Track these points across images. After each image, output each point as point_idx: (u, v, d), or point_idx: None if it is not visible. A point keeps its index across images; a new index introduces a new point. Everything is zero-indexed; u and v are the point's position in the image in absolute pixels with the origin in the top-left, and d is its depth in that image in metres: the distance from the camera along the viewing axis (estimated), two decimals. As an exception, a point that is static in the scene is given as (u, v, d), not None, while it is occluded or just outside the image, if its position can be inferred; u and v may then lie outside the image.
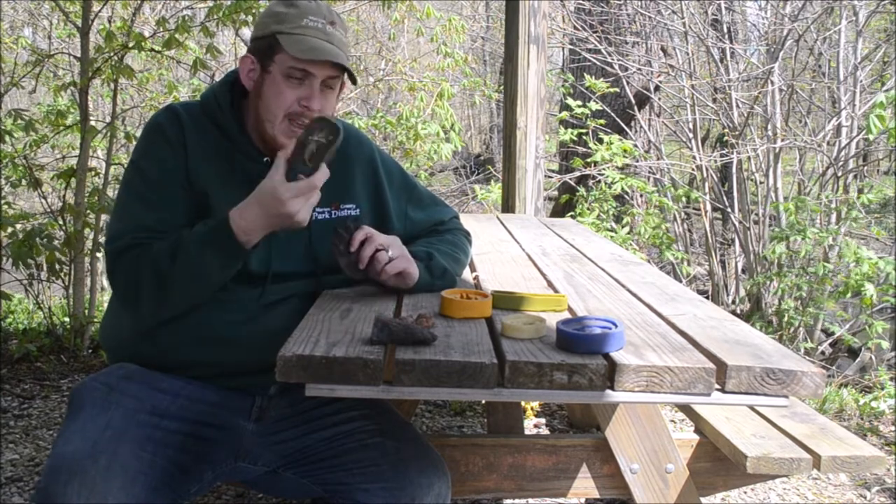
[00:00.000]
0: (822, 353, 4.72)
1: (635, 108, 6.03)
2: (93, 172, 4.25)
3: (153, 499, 1.39)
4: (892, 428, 3.49)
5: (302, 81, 1.59)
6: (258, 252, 1.62)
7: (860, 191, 4.81)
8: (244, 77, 1.65)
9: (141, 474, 1.39)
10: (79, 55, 4.08)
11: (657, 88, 6.24)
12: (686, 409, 2.48)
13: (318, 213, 1.70)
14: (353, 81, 1.69)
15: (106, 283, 1.54)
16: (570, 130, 5.60)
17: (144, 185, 1.61)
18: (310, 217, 1.52)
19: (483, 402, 3.24)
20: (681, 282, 4.31)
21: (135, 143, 2.16)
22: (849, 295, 4.09)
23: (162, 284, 1.52)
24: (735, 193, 5.33)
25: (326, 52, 1.58)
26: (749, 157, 5.29)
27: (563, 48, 7.58)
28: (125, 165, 1.74)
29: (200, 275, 1.53)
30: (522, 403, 3.11)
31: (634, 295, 1.77)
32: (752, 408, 2.18)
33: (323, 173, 1.52)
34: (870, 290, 3.92)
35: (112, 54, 3.97)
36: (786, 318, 4.38)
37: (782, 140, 5.18)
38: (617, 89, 5.82)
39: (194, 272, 1.52)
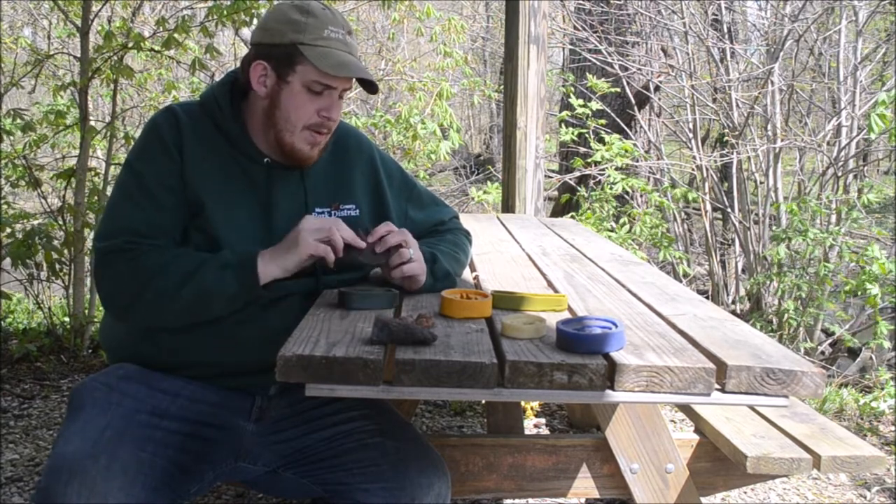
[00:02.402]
0: (822, 353, 4.72)
1: (635, 108, 6.03)
2: (93, 172, 4.25)
3: (153, 499, 1.39)
4: (892, 428, 3.49)
5: (321, 93, 1.60)
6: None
7: (860, 191, 4.80)
8: (255, 83, 1.64)
9: (141, 474, 1.39)
10: (78, 55, 4.08)
11: (657, 88, 6.24)
12: (686, 409, 2.48)
13: (318, 213, 1.70)
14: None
15: (99, 296, 1.55)
16: (570, 130, 5.60)
17: (138, 187, 1.60)
18: (309, 240, 1.53)
19: (483, 402, 3.24)
20: (681, 282, 4.31)
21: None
22: (854, 294, 4.09)
23: (162, 301, 1.52)
24: (735, 193, 5.33)
25: (355, 68, 1.59)
26: (749, 157, 5.29)
27: (563, 48, 7.58)
28: (122, 165, 1.74)
29: (207, 300, 1.53)
30: (522, 403, 3.11)
31: (634, 295, 1.77)
32: (752, 408, 2.18)
33: (348, 231, 1.56)
34: (874, 289, 3.92)
35: (112, 54, 3.97)
36: (785, 318, 4.37)
37: (782, 140, 5.18)
38: (617, 89, 5.82)
39: (204, 295, 1.52)
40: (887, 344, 4.29)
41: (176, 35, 3.85)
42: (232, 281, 1.52)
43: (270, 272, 1.53)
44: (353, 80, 1.65)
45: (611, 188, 5.12)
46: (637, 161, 5.63)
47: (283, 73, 1.61)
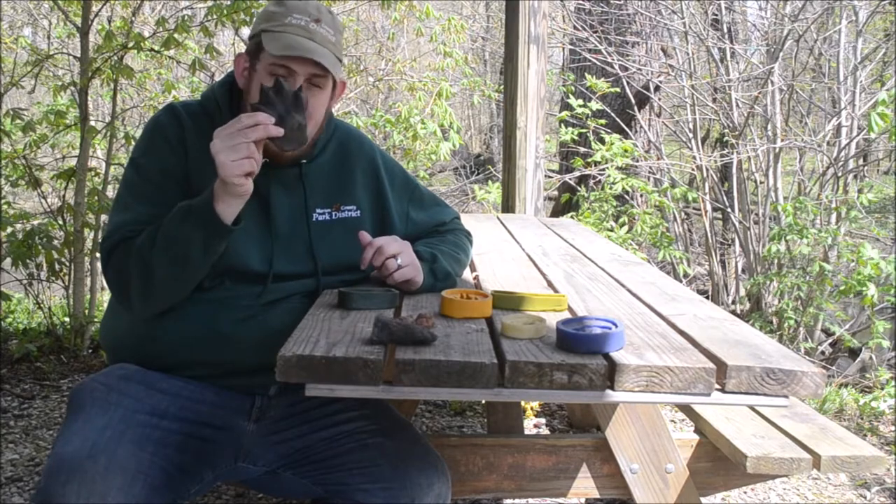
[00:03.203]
0: (822, 353, 4.72)
1: (635, 108, 6.03)
2: (93, 172, 4.25)
3: (152, 499, 1.39)
4: (892, 428, 3.49)
5: (286, 80, 1.59)
6: (259, 251, 1.62)
7: (860, 191, 4.80)
8: (238, 76, 1.67)
9: (140, 474, 1.39)
10: (78, 55, 4.08)
11: (657, 88, 6.24)
12: (686, 409, 2.48)
13: (319, 213, 1.71)
14: (334, 82, 1.67)
15: (108, 286, 1.59)
16: (570, 130, 5.60)
17: (143, 182, 1.61)
18: (235, 170, 1.43)
19: (483, 402, 3.24)
20: (681, 282, 4.31)
21: (135, 143, 2.17)
22: (852, 294, 4.09)
23: (146, 270, 1.51)
24: (735, 193, 5.33)
25: (303, 49, 1.56)
26: (749, 157, 5.29)
27: (563, 48, 7.58)
28: (125, 165, 1.74)
29: (181, 251, 1.49)
30: (522, 403, 3.11)
31: (634, 295, 1.77)
32: (752, 408, 2.18)
33: (252, 117, 1.46)
34: (871, 290, 3.91)
35: (112, 54, 3.97)
36: (784, 318, 4.37)
37: (782, 140, 5.18)
38: (617, 89, 5.82)
39: (176, 250, 1.49)
40: (887, 343, 4.29)
41: (176, 35, 3.85)
42: (195, 225, 1.48)
43: (221, 204, 1.48)
44: (322, 67, 1.60)
45: (611, 188, 5.12)
46: (637, 161, 5.63)
47: (253, 62, 1.62)
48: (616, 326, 1.29)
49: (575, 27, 6.25)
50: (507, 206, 3.91)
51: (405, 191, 1.87)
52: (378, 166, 1.83)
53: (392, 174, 1.86)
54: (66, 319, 4.12)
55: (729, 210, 5.32)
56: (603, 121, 5.54)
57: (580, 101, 5.53)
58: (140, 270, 1.52)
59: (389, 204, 1.81)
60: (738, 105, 5.38)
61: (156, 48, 4.13)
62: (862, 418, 3.56)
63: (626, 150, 5.28)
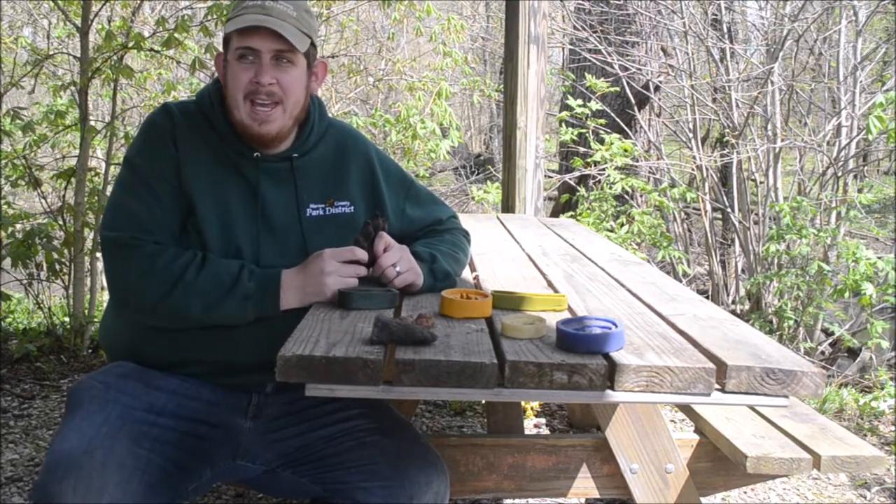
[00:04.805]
0: (822, 353, 4.72)
1: (635, 108, 6.03)
2: (93, 172, 4.25)
3: (150, 496, 1.39)
4: (892, 428, 3.49)
5: (253, 61, 1.61)
6: (249, 245, 1.63)
7: (860, 191, 4.80)
8: (220, 76, 1.69)
9: (137, 471, 1.39)
10: (78, 55, 4.08)
11: (657, 88, 6.24)
12: (686, 409, 2.48)
13: (312, 209, 1.71)
14: (309, 55, 1.67)
15: (106, 282, 1.60)
16: (570, 130, 5.60)
17: (139, 182, 1.63)
18: (335, 286, 1.55)
19: (483, 402, 3.24)
20: (681, 282, 4.30)
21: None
22: (847, 294, 4.08)
23: (180, 318, 1.56)
24: (735, 193, 5.33)
25: (256, 22, 1.58)
26: (749, 157, 5.29)
27: (563, 48, 7.58)
28: (121, 162, 1.76)
29: (224, 315, 1.57)
30: (522, 403, 3.11)
31: (634, 295, 1.77)
32: (752, 408, 2.18)
33: (364, 253, 1.59)
34: (868, 289, 3.91)
35: (112, 54, 3.97)
36: (784, 318, 4.37)
37: (782, 140, 5.18)
38: (617, 89, 5.82)
39: (219, 314, 1.56)
40: (886, 344, 4.29)
41: (176, 35, 3.85)
42: (252, 311, 1.57)
43: (290, 303, 1.57)
44: (307, 47, 1.64)
45: (610, 188, 5.12)
46: (637, 161, 5.63)
47: (226, 55, 1.66)
48: (616, 326, 1.29)
49: (575, 27, 6.24)
50: (507, 206, 3.91)
51: (401, 187, 1.88)
52: (373, 163, 1.83)
53: (387, 171, 1.86)
54: (66, 319, 4.12)
55: (729, 210, 5.32)
56: (603, 121, 5.54)
57: (580, 102, 5.52)
58: (175, 314, 1.56)
59: (384, 200, 1.82)
60: (738, 105, 5.38)
61: (156, 48, 4.13)
62: (862, 418, 3.56)
63: (625, 150, 5.27)
